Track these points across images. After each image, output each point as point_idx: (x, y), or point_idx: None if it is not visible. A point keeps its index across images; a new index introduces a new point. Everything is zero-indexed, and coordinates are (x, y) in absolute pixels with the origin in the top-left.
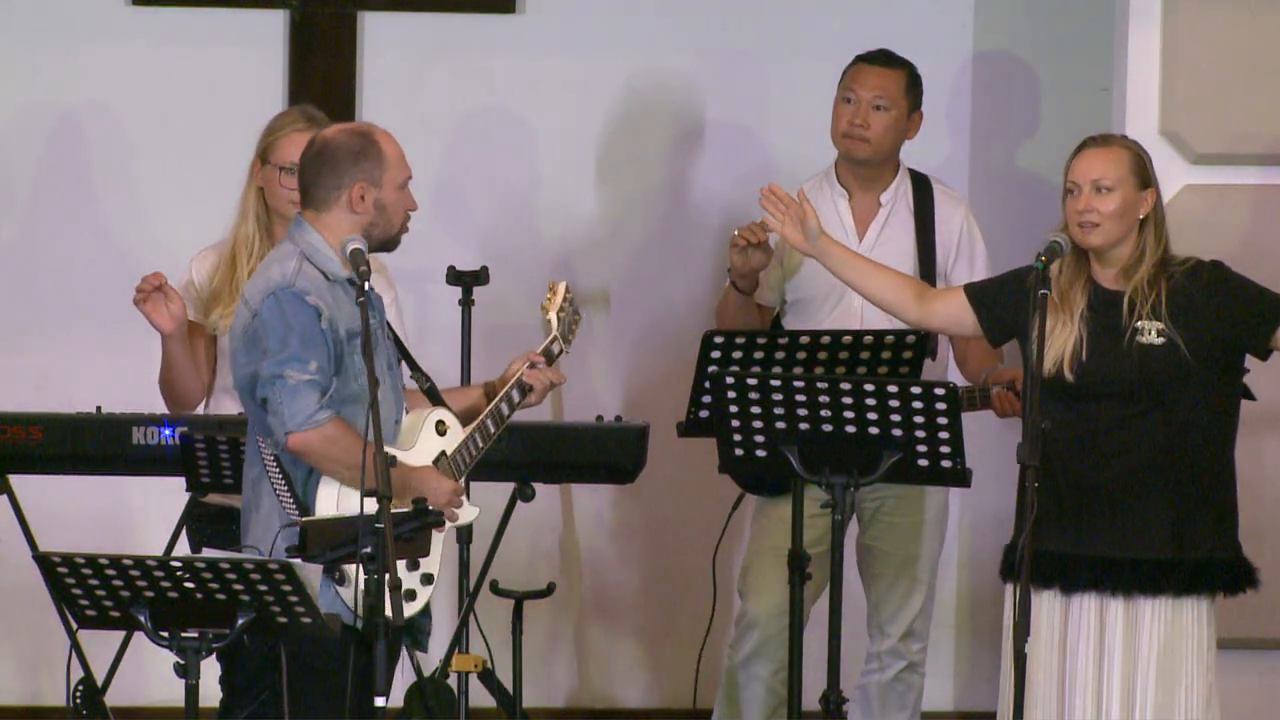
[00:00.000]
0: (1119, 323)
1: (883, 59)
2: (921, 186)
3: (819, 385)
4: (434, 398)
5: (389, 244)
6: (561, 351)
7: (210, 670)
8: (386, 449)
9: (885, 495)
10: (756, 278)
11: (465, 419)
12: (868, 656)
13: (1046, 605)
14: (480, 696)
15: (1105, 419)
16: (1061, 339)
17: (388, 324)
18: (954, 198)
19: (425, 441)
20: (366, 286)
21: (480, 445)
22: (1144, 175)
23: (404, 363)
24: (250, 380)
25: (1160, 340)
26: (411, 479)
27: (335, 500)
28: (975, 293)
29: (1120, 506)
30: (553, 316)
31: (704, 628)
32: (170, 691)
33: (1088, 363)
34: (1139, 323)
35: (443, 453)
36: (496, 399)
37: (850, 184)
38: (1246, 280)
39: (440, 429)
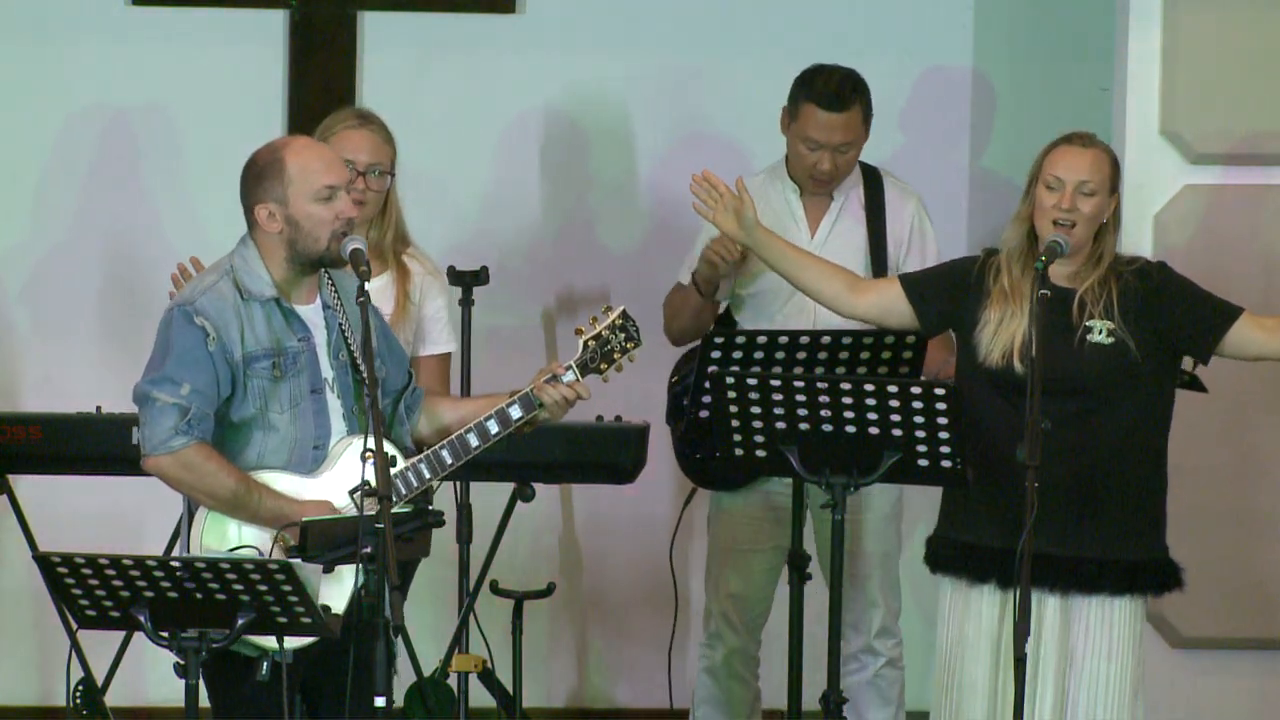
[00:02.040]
0: (1069, 320)
1: (840, 101)
2: (872, 179)
3: (819, 385)
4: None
5: (326, 258)
6: (575, 379)
7: None
8: (284, 473)
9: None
10: (719, 284)
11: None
12: (844, 658)
13: (980, 600)
14: (480, 696)
15: (1050, 416)
16: (1010, 330)
17: (343, 340)
18: (905, 190)
19: (340, 470)
20: (367, 288)
21: (426, 476)
22: (1115, 181)
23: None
24: (133, 392)
25: (1110, 340)
26: (287, 508)
27: (203, 525)
28: (911, 284)
29: (1062, 504)
30: (580, 341)
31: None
32: (170, 691)
33: (1034, 361)
34: (1090, 321)
35: (366, 482)
36: (484, 415)
37: (801, 183)
38: (1193, 284)
39: (366, 457)
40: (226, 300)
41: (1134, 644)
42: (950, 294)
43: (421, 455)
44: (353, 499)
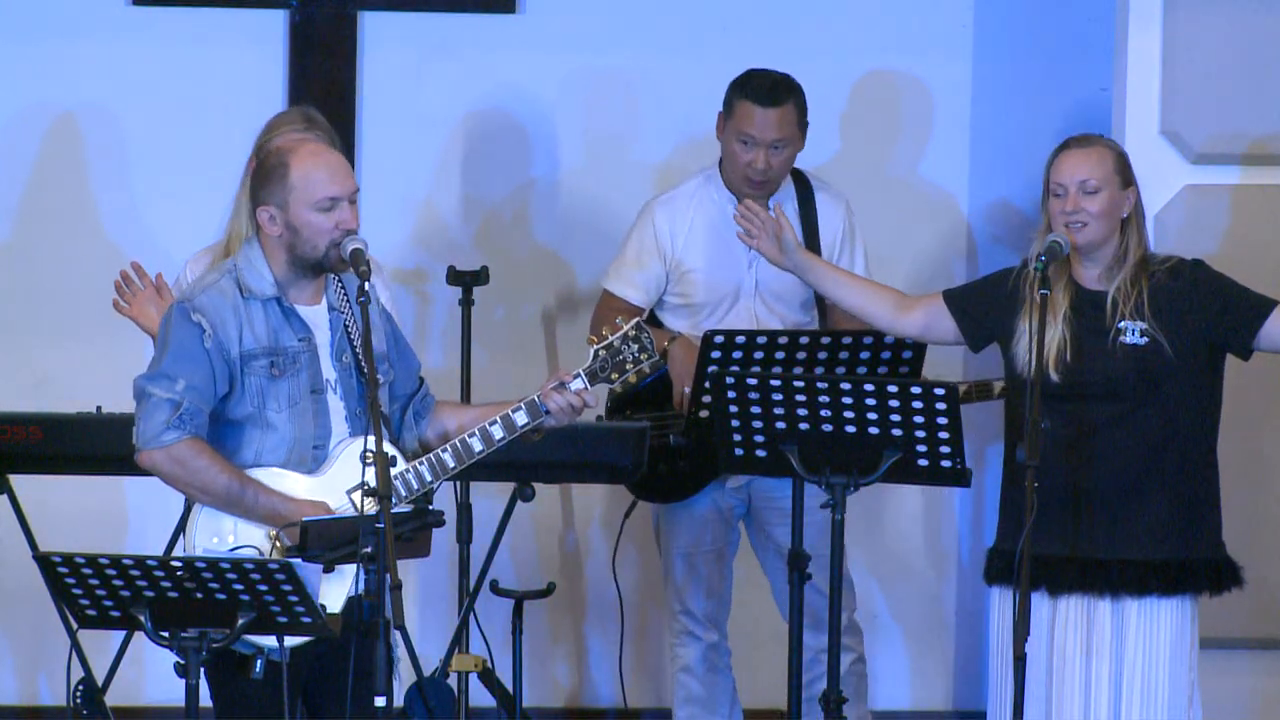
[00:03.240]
0: (1102, 323)
1: (773, 97)
2: (802, 185)
3: (819, 385)
4: (387, 426)
5: (324, 264)
6: (585, 387)
7: None
8: (283, 471)
9: (784, 494)
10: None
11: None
12: (809, 660)
13: (1034, 607)
14: (480, 696)
15: (1091, 420)
16: (1046, 340)
17: (347, 341)
18: (834, 195)
19: (340, 470)
20: (366, 286)
21: (428, 479)
22: (1126, 174)
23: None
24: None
25: (1144, 340)
26: (282, 506)
27: (197, 523)
28: (953, 299)
29: (1107, 508)
30: (592, 349)
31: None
32: (170, 691)
33: (1073, 363)
34: (1122, 323)
35: (364, 484)
36: (488, 420)
37: (737, 189)
38: (1228, 279)
39: (367, 459)
40: (226, 298)
41: (1186, 645)
42: (989, 307)
43: (422, 457)
44: (350, 499)
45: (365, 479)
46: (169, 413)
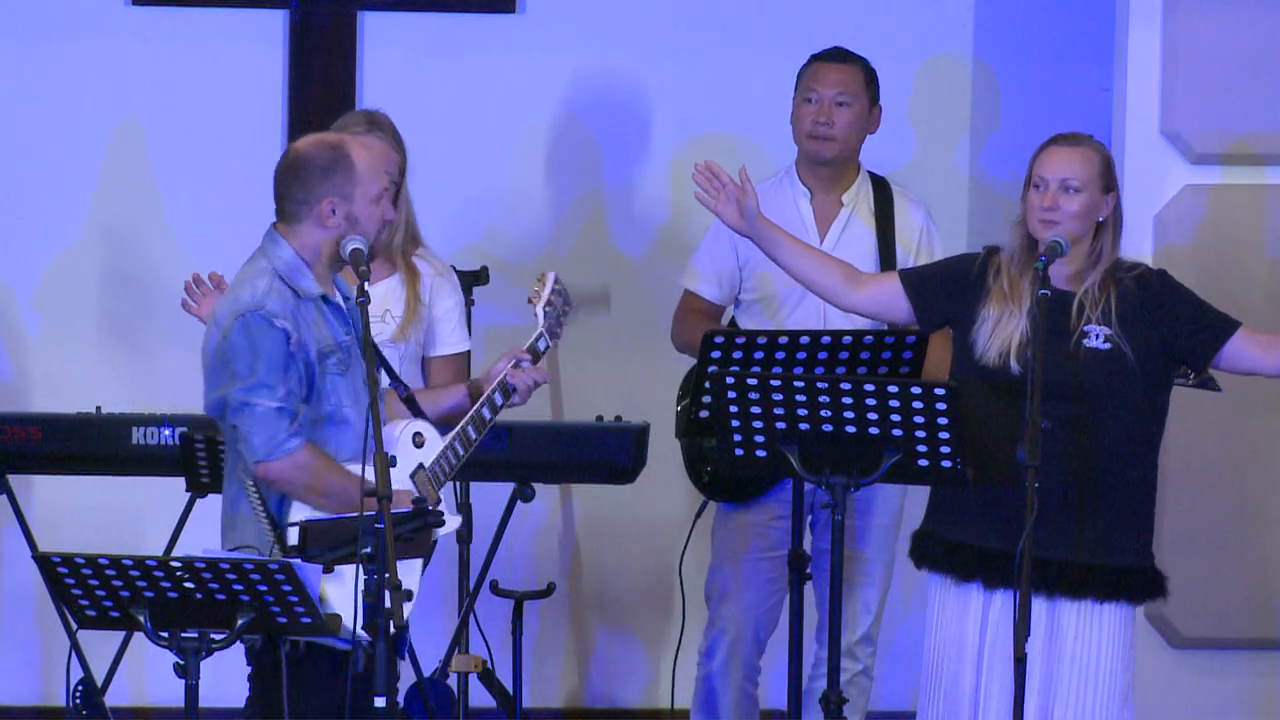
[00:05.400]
0: (1066, 324)
1: (839, 55)
2: (881, 188)
3: (819, 385)
4: (412, 407)
5: (346, 259)
6: (549, 347)
7: (210, 670)
8: (354, 464)
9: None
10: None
11: (449, 422)
12: (817, 660)
13: (967, 599)
14: (480, 696)
15: (1047, 419)
16: (1008, 329)
17: (368, 335)
18: (913, 200)
19: (402, 456)
20: (366, 286)
21: (461, 453)
22: (1109, 179)
23: (384, 371)
24: (221, 404)
25: (1107, 346)
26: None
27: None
28: (910, 279)
29: (1053, 508)
30: (539, 310)
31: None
32: (170, 691)
33: (1033, 360)
34: (1087, 326)
35: (420, 465)
36: (478, 404)
37: (811, 183)
38: (1193, 295)
39: (417, 441)
40: (288, 300)
41: (1122, 650)
42: (949, 291)
43: (453, 433)
44: (412, 482)
45: (422, 462)
46: (287, 421)
